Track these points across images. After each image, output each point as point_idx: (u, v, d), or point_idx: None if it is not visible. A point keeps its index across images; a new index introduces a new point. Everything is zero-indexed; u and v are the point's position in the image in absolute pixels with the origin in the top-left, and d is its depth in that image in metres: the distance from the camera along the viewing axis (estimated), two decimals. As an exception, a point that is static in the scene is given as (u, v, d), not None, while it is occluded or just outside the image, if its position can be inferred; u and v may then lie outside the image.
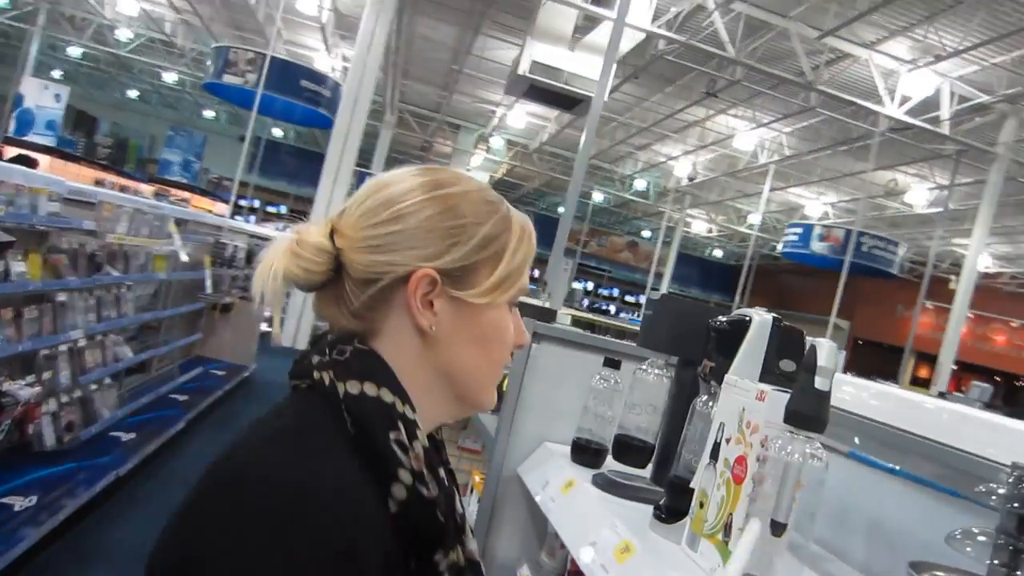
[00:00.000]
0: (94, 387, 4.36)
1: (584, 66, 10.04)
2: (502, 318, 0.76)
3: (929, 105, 10.73)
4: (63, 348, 4.00)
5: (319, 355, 0.70)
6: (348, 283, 0.71)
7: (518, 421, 1.59)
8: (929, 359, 15.24)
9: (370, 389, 0.66)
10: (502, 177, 23.78)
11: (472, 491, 1.92)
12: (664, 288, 22.55)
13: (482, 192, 0.76)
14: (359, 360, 0.69)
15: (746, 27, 10.08)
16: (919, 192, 15.46)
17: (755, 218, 19.53)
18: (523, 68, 10.08)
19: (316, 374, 0.68)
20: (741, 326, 1.05)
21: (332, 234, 0.72)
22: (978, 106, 10.90)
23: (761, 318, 1.04)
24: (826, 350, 0.84)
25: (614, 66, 4.42)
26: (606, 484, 1.25)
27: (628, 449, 1.37)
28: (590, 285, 26.55)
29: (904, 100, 10.65)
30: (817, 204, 19.10)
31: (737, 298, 17.41)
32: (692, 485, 1.05)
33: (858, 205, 16.53)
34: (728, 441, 0.95)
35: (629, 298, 26.41)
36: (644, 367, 1.36)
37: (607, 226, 27.54)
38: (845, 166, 15.36)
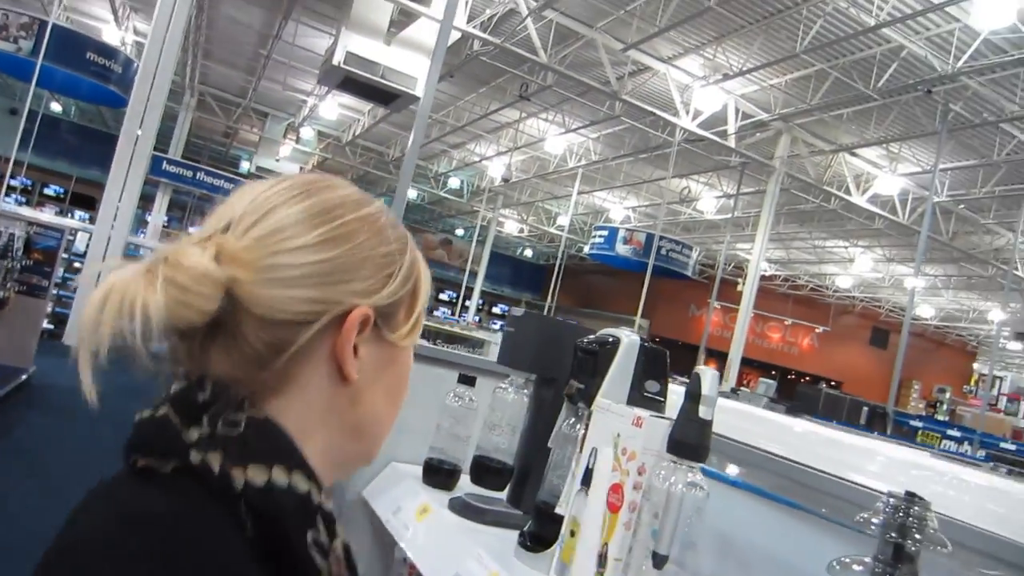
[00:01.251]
0: None
1: (400, 61, 9.92)
2: (410, 359, 0.66)
3: (717, 120, 11.72)
4: None
5: (196, 427, 0.51)
6: (248, 325, 0.54)
7: (360, 440, 1.50)
8: (717, 355, 16.64)
9: (279, 477, 0.51)
10: (312, 170, 22.97)
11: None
12: (477, 287, 22.88)
13: (386, 209, 0.63)
14: (259, 435, 0.52)
15: (557, 34, 10.46)
16: (708, 200, 16.87)
17: (564, 220, 20.34)
18: (337, 59, 9.78)
19: (195, 456, 0.50)
20: (609, 347, 1.04)
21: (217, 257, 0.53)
22: (758, 123, 12.08)
23: (629, 339, 1.03)
24: (708, 379, 0.84)
25: (440, 66, 4.38)
26: (464, 509, 1.20)
27: (486, 470, 1.33)
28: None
29: (697, 114, 11.55)
30: (620, 208, 20.24)
31: (549, 298, 18.04)
32: (559, 511, 1.02)
33: (657, 210, 17.74)
34: (603, 467, 0.93)
35: (443, 295, 26.50)
36: (504, 385, 1.33)
37: (421, 223, 27.50)
38: (645, 173, 16.42)
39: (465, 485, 1.36)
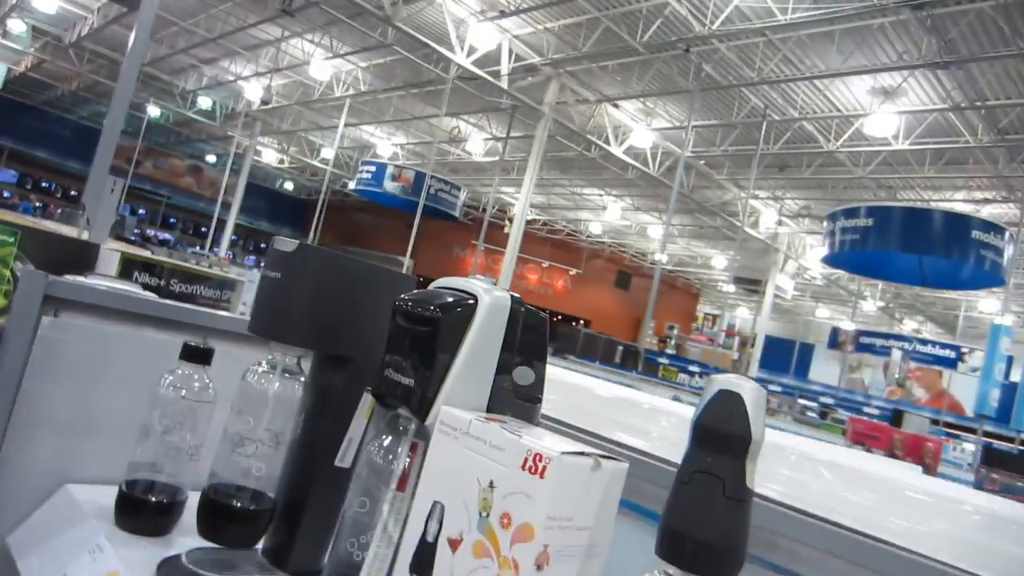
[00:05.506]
0: None
1: (138, -51, 8.42)
2: None
3: (491, 60, 11.46)
4: None
5: None
6: None
7: (14, 448, 0.91)
8: (480, 295, 16.59)
9: None
10: (26, 72, 19.50)
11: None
12: (231, 219, 21.05)
13: None
14: None
15: (329, -54, 9.49)
16: (477, 141, 16.74)
17: (329, 153, 19.24)
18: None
19: None
20: (458, 312, 0.59)
21: None
22: (530, 66, 12.01)
23: (493, 299, 0.59)
24: (751, 396, 0.42)
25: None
26: (186, 582, 0.70)
27: (228, 511, 0.80)
28: (144, 211, 23.82)
29: (471, 51, 11.20)
30: (388, 144, 19.53)
31: (311, 234, 17.01)
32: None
33: (425, 149, 17.33)
34: (455, 544, 0.49)
35: (190, 229, 24.24)
36: (261, 367, 0.80)
37: (166, 146, 24.67)
38: (416, 109, 15.87)
39: (190, 531, 0.82)
